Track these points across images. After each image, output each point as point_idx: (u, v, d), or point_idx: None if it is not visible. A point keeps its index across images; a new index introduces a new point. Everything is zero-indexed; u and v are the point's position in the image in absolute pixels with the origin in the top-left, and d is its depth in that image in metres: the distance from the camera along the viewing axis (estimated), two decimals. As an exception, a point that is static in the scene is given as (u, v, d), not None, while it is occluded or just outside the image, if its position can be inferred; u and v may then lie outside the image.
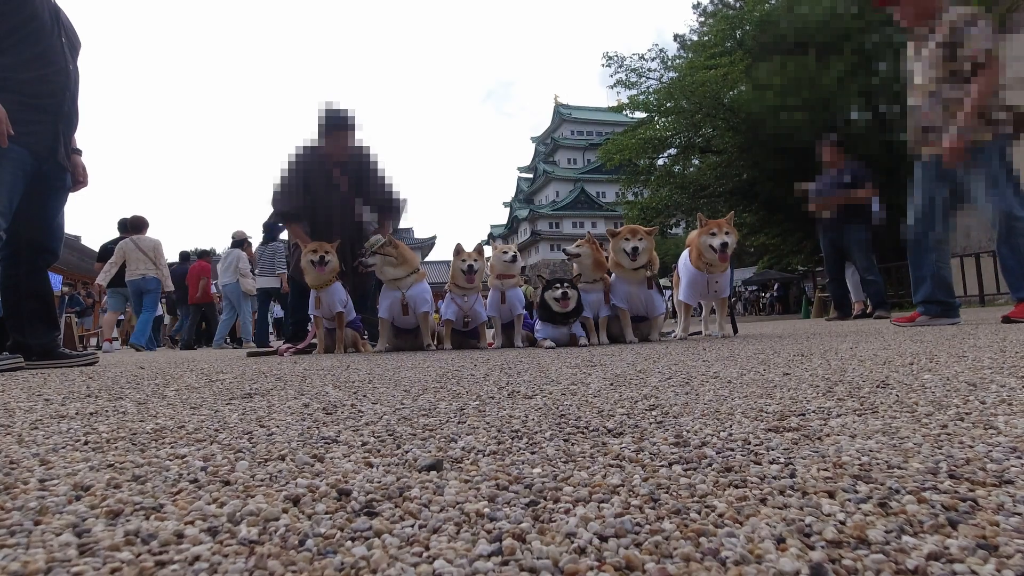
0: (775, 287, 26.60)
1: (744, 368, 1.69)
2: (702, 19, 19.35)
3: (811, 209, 6.13)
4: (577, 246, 3.80)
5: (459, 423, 0.99)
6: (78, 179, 3.11)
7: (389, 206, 4.50)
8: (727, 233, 3.56)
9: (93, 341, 12.72)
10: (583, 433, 0.88)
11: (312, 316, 4.13)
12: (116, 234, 7.97)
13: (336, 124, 4.27)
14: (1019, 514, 0.49)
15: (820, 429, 0.84)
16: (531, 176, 59.19)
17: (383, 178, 4.46)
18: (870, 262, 5.80)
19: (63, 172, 2.95)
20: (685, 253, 4.00)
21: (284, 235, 7.00)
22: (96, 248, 8.95)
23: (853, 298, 6.40)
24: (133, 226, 7.30)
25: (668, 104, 16.15)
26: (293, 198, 4.28)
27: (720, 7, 19.10)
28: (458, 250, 3.90)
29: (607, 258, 3.82)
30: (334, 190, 4.34)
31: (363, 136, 4.38)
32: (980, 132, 3.14)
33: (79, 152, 3.12)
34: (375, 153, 4.45)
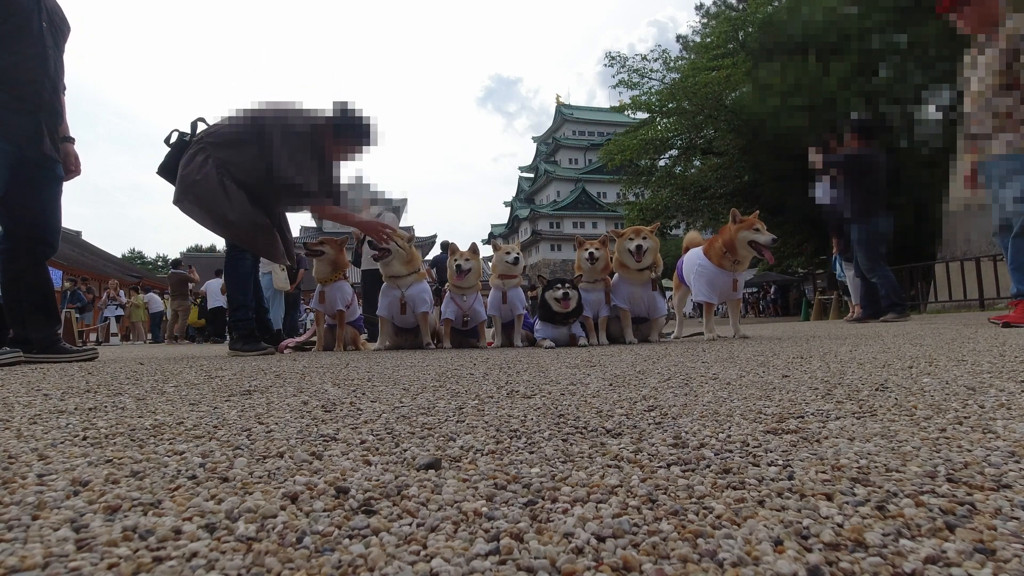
0: (771, 290, 26.43)
1: (743, 370, 1.69)
2: (704, 20, 19.36)
3: (814, 164, 5.83)
4: (596, 250, 3.75)
5: (458, 422, 0.99)
6: (69, 168, 3.04)
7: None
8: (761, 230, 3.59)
9: (92, 337, 12.74)
10: (582, 433, 0.88)
11: (313, 311, 4.12)
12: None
13: (351, 131, 3.58)
14: (1017, 518, 0.49)
15: (819, 431, 0.84)
16: (532, 176, 59.18)
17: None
18: (872, 262, 5.57)
19: (52, 163, 2.86)
20: (692, 253, 3.98)
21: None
22: (98, 244, 9.26)
23: (853, 300, 6.37)
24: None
25: (670, 105, 16.16)
26: (320, 174, 3.48)
27: (723, 8, 19.10)
28: (452, 250, 3.89)
29: (611, 258, 3.81)
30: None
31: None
32: None
33: (71, 140, 3.04)
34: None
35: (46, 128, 2.80)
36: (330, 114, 3.59)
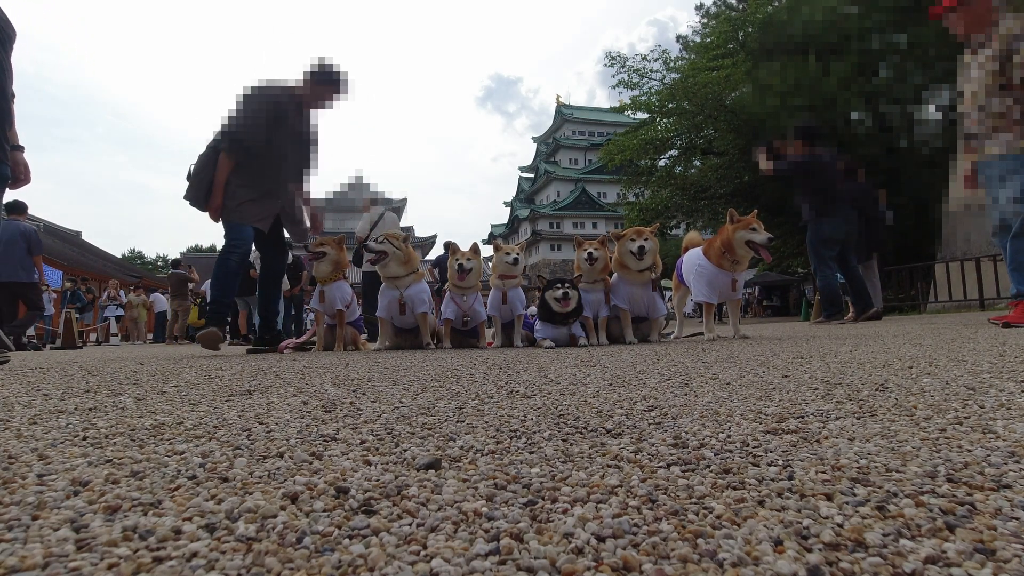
0: (755, 291, 25.96)
1: (743, 370, 1.69)
2: (704, 20, 19.35)
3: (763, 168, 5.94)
4: (595, 250, 3.75)
5: (458, 422, 0.99)
6: (19, 176, 3.01)
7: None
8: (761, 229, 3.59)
9: (92, 337, 12.74)
10: (582, 433, 0.88)
11: (313, 311, 4.13)
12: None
13: (327, 79, 3.95)
14: (1017, 518, 0.49)
15: (819, 432, 0.84)
16: (532, 176, 59.14)
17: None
18: (816, 263, 5.80)
19: None
20: (691, 253, 3.98)
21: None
22: (98, 244, 9.24)
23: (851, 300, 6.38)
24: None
25: (670, 105, 16.15)
26: (255, 131, 3.76)
27: (723, 9, 19.10)
28: (453, 249, 3.89)
29: (610, 259, 3.81)
30: (304, 137, 4.04)
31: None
32: None
33: (20, 149, 3.01)
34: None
35: None
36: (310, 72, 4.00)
